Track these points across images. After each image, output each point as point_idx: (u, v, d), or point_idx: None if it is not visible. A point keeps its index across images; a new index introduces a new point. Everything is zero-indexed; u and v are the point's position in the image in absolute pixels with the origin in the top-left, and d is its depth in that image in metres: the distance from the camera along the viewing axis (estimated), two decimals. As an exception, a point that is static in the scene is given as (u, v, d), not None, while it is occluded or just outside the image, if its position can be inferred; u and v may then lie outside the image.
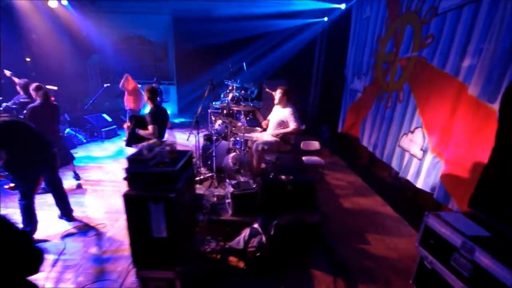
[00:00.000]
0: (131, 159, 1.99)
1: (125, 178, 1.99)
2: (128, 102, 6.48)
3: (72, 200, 3.49)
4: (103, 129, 7.25)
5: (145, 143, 2.21)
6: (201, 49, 8.87)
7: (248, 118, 4.74)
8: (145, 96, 3.46)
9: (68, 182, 4.24)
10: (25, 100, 4.24)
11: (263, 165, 4.59)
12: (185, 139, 4.95)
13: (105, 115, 7.77)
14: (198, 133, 4.00)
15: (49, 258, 2.65)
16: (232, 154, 3.30)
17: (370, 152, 4.96)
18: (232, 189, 3.07)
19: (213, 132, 4.07)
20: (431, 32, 3.30)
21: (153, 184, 2.00)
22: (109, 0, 8.51)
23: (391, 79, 4.39)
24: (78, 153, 5.89)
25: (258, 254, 2.56)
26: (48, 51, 7.77)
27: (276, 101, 4.03)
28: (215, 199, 3.45)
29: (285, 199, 3.16)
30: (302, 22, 8.51)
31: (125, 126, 3.24)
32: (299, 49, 8.99)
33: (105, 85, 7.05)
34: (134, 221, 1.99)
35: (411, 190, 3.89)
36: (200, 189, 3.70)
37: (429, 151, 3.21)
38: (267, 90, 4.33)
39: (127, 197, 1.97)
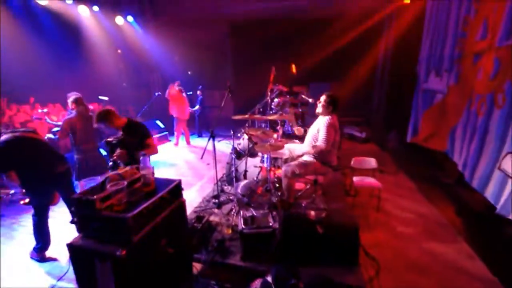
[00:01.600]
0: (77, 199, 1.56)
1: (72, 222, 1.58)
2: (172, 110, 6.61)
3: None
4: (155, 135, 7.60)
5: (112, 173, 1.77)
6: (257, 52, 8.69)
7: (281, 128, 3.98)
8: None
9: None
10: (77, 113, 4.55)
11: (301, 185, 3.78)
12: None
13: (158, 122, 8.17)
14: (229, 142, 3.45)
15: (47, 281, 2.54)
16: (243, 182, 2.66)
17: (455, 173, 3.56)
18: (242, 225, 2.41)
19: (238, 147, 3.49)
20: None
21: (105, 234, 1.53)
22: (170, 13, 9.00)
23: (484, 77, 3.02)
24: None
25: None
26: (111, 65, 8.64)
27: (318, 109, 3.18)
28: (229, 231, 2.85)
29: (313, 245, 2.33)
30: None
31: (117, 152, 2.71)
32: (359, 42, 7.64)
33: (156, 94, 7.35)
34: (82, 279, 1.56)
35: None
36: (216, 215, 3.17)
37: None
38: (303, 96, 3.51)
39: (71, 248, 1.55)
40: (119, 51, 9.25)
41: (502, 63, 2.82)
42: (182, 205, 2.04)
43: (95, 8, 7.12)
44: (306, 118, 5.82)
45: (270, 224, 2.40)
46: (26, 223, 3.61)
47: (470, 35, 3.56)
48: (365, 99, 7.87)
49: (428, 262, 2.74)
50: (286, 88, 6.55)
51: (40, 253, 2.86)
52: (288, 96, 6.03)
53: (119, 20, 8.07)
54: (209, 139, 3.13)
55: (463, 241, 3.04)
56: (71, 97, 3.78)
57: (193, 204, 3.82)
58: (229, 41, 9.63)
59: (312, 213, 2.40)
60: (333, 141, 3.01)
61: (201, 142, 7.86)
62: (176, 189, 1.98)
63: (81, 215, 1.58)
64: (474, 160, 3.25)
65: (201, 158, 3.14)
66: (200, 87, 7.73)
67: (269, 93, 4.19)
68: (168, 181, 1.98)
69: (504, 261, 2.64)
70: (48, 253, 2.89)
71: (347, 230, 2.37)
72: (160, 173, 3.17)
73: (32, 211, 2.78)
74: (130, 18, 8.47)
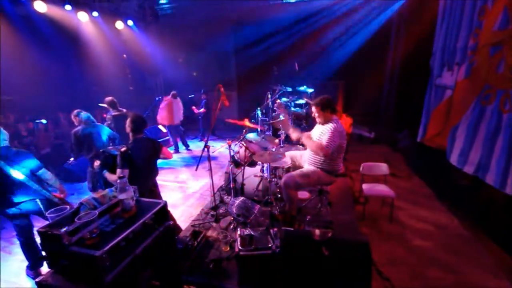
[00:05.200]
0: (42, 233, 1.36)
1: (43, 257, 1.39)
2: (162, 120, 6.62)
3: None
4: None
5: (86, 197, 1.57)
6: (260, 52, 8.50)
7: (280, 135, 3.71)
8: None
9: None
10: (115, 113, 4.62)
11: (306, 195, 3.52)
12: (221, 148, 4.34)
13: (160, 126, 8.03)
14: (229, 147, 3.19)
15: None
16: (238, 200, 2.41)
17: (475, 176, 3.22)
18: (239, 245, 2.18)
19: (236, 155, 3.25)
20: None
21: (75, 272, 1.33)
22: (172, 17, 8.87)
23: (506, 70, 2.68)
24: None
25: None
26: (114, 70, 8.58)
27: (318, 121, 2.90)
28: (227, 249, 2.62)
29: (317, 268, 2.07)
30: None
31: (95, 164, 2.54)
32: (369, 37, 7.25)
33: (157, 98, 7.24)
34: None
35: None
36: (214, 230, 2.95)
37: None
38: (307, 100, 3.24)
39: (39, 286, 1.35)
40: (124, 56, 9.19)
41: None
42: (168, 230, 1.82)
43: (95, 13, 7.03)
44: (311, 121, 5.54)
45: (270, 245, 2.16)
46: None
47: (487, 25, 3.21)
48: (374, 97, 7.47)
49: (450, 284, 2.43)
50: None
51: (33, 270, 2.76)
52: (290, 97, 5.76)
53: (119, 24, 7.97)
54: (203, 150, 2.90)
55: (489, 256, 2.72)
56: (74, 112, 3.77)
57: (192, 214, 3.64)
58: (232, 41, 9.43)
59: (317, 232, 2.13)
60: (339, 147, 2.73)
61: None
62: (161, 212, 1.77)
63: (49, 251, 1.39)
64: (498, 158, 2.91)
65: (196, 169, 2.91)
66: (202, 90, 7.55)
67: (269, 95, 3.93)
68: (152, 204, 1.76)
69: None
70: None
71: (357, 252, 2.10)
72: (161, 179, 3.00)
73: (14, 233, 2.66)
74: (130, 22, 8.36)
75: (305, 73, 6.96)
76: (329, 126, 2.70)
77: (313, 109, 2.82)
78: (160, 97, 7.22)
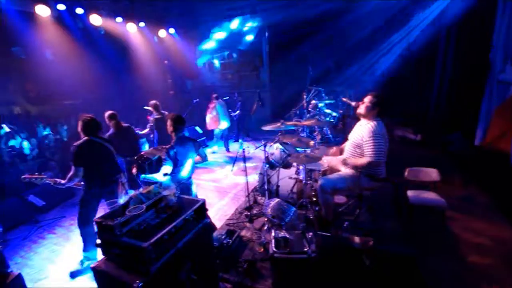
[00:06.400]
0: (98, 223, 1.50)
1: (98, 245, 1.53)
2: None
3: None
4: (194, 142, 7.82)
5: (134, 192, 1.70)
6: (294, 52, 8.46)
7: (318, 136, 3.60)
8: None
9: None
10: (157, 116, 4.98)
11: (342, 199, 3.37)
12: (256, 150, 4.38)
13: (197, 128, 8.40)
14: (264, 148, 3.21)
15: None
16: (274, 201, 2.39)
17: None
18: (274, 247, 2.16)
19: (271, 157, 3.25)
20: None
21: (125, 260, 1.44)
22: (209, 22, 9.28)
23: None
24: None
25: None
26: (156, 75, 9.21)
27: (359, 110, 2.74)
28: (261, 249, 2.63)
29: (357, 278, 1.96)
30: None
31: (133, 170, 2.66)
32: (417, 28, 6.69)
33: (194, 101, 7.55)
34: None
35: None
36: (247, 230, 2.98)
37: None
38: (344, 99, 3.10)
39: (95, 271, 1.50)
40: (166, 62, 9.84)
41: None
42: (207, 226, 1.89)
43: (141, 24, 7.65)
44: (347, 122, 5.30)
45: (305, 249, 2.10)
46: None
47: None
48: (420, 94, 6.86)
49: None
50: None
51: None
52: (327, 97, 5.59)
53: (162, 33, 8.56)
54: (238, 152, 2.95)
55: None
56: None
57: (226, 213, 3.72)
58: (266, 43, 9.46)
59: (357, 239, 2.03)
60: (383, 152, 2.56)
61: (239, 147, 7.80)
62: (200, 209, 1.84)
63: (103, 239, 1.53)
64: None
65: (232, 170, 2.96)
66: (236, 93, 7.71)
67: (304, 96, 3.85)
68: (192, 201, 1.84)
69: None
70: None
71: (402, 261, 1.94)
72: (196, 179, 3.13)
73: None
74: (171, 30, 8.93)
75: (344, 73, 6.70)
76: (370, 130, 2.54)
77: (367, 98, 2.68)
78: (197, 100, 7.52)
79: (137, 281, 1.36)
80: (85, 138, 2.76)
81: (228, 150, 7.28)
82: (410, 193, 3.19)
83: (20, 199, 4.16)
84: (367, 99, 2.70)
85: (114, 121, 3.84)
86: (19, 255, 3.34)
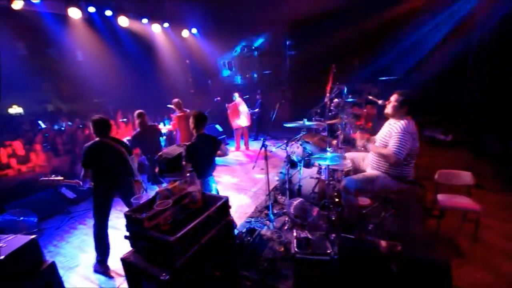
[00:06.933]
0: (128, 216, 1.55)
1: (126, 237, 1.58)
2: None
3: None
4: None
5: (162, 187, 1.74)
6: (316, 49, 8.19)
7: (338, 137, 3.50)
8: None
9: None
10: (179, 114, 5.13)
11: (366, 201, 3.25)
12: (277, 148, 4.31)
13: (217, 126, 8.51)
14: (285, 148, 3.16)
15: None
16: (297, 201, 2.33)
17: None
18: (295, 247, 2.13)
19: (292, 155, 3.20)
20: None
21: (152, 253, 1.48)
22: (229, 23, 9.34)
23: None
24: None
25: None
26: (178, 74, 9.43)
27: (387, 110, 2.64)
28: (282, 249, 2.60)
29: (384, 285, 1.87)
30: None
31: (156, 170, 2.69)
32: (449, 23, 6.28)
33: (215, 99, 7.65)
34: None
35: None
36: (268, 229, 2.96)
37: None
38: (370, 97, 2.98)
39: (123, 262, 1.55)
40: (187, 61, 10.06)
41: None
42: (229, 223, 1.89)
43: (166, 24, 7.86)
44: (374, 121, 5.10)
45: (328, 251, 2.05)
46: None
47: None
48: (451, 91, 6.43)
49: None
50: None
51: (102, 266, 2.84)
52: (349, 96, 5.40)
53: (185, 33, 8.75)
54: (260, 148, 2.93)
55: None
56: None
57: (246, 211, 3.72)
58: (287, 41, 9.34)
59: (383, 244, 1.94)
60: (410, 151, 2.43)
61: (258, 145, 7.77)
62: (223, 206, 1.85)
63: (131, 232, 1.58)
64: None
65: (253, 168, 2.95)
66: (259, 91, 7.69)
67: (328, 94, 3.75)
68: (216, 198, 1.85)
69: None
70: (114, 267, 2.90)
71: (434, 269, 1.83)
72: (216, 176, 3.15)
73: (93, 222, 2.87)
74: (194, 30, 9.09)
75: (369, 71, 6.45)
76: (398, 126, 2.43)
77: (393, 97, 2.57)
78: (218, 98, 7.62)
79: (164, 274, 1.39)
80: (96, 139, 2.71)
81: (247, 148, 7.30)
82: (440, 197, 3.01)
83: (53, 191, 4.43)
84: (394, 98, 2.59)
85: (140, 119, 3.97)
86: (52, 244, 3.55)
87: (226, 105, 6.87)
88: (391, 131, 2.48)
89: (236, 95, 6.88)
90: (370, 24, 6.88)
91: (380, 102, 2.77)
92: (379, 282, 1.83)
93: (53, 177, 2.69)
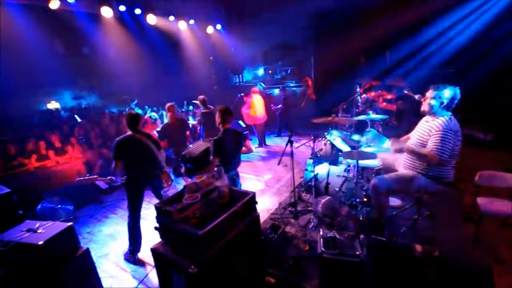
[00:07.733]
0: (158, 208, 1.58)
1: (156, 228, 1.62)
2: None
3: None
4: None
5: (190, 181, 1.76)
6: (343, 42, 7.91)
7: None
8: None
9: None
10: (204, 110, 5.25)
11: (397, 202, 3.09)
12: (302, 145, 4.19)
13: (240, 122, 8.55)
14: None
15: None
16: (325, 199, 2.25)
17: None
18: (322, 247, 2.07)
19: (319, 152, 3.11)
20: None
21: (181, 245, 1.50)
22: (253, 17, 9.28)
23: None
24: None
25: None
26: (202, 71, 9.57)
27: (423, 107, 2.47)
28: (307, 247, 2.55)
29: (418, 290, 1.76)
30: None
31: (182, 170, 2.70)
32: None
33: (239, 95, 7.65)
34: (163, 285, 1.58)
35: None
36: (292, 226, 2.92)
37: None
38: (406, 92, 2.80)
39: (153, 252, 1.59)
40: (211, 58, 10.17)
41: None
42: (256, 219, 1.88)
43: (191, 21, 7.98)
44: (403, 118, 4.82)
45: (358, 252, 1.96)
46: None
47: None
48: (491, 88, 5.89)
49: None
50: (376, 82, 5.62)
51: (132, 255, 2.95)
52: (379, 91, 5.16)
53: (209, 29, 8.83)
54: (286, 145, 2.89)
55: None
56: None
57: (269, 208, 3.70)
58: (312, 35, 9.06)
59: (419, 248, 1.82)
60: (452, 151, 2.26)
61: (281, 142, 7.70)
62: (250, 202, 1.83)
63: (161, 223, 1.62)
64: None
65: (278, 164, 2.92)
66: (281, 86, 7.60)
67: (357, 90, 3.60)
68: (242, 194, 1.85)
69: None
70: (142, 255, 3.01)
71: (477, 278, 1.69)
72: (240, 171, 3.16)
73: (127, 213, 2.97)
74: (218, 26, 9.15)
75: (400, 65, 6.09)
76: (439, 123, 2.25)
77: (429, 93, 2.40)
78: (241, 94, 7.61)
79: (192, 267, 1.41)
80: (128, 133, 2.81)
81: (265, 144, 7.28)
82: (480, 200, 2.78)
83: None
84: (428, 94, 2.40)
85: (170, 113, 4.10)
86: (86, 231, 3.78)
87: (239, 95, 6.86)
88: (430, 130, 2.31)
89: (255, 87, 6.86)
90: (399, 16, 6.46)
91: (416, 97, 2.59)
92: (411, 284, 1.73)
93: (87, 177, 2.82)
